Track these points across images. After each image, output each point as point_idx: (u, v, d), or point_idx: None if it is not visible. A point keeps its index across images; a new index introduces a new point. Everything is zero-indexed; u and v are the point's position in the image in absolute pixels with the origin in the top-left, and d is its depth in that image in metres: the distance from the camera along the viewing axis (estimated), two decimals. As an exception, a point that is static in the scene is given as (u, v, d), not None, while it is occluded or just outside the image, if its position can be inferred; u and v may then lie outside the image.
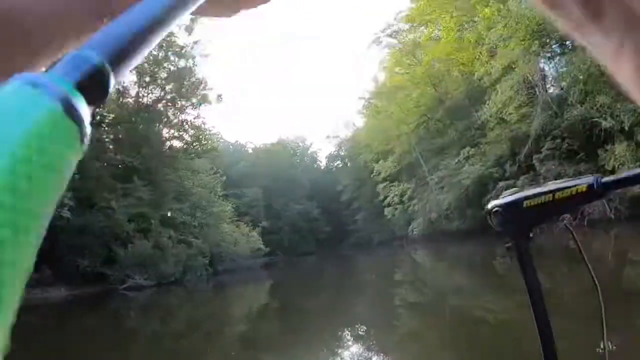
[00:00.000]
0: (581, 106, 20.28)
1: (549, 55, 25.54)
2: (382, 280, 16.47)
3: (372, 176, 40.62)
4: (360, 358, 6.74)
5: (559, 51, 24.89)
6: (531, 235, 1.05)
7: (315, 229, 52.11)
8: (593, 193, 0.92)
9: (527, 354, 4.34)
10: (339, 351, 7.34)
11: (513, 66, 24.25)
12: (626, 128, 18.16)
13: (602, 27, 0.31)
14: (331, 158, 62.50)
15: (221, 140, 45.09)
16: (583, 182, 0.93)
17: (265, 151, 55.42)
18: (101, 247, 22.05)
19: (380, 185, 38.87)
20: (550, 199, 0.96)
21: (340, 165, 58.84)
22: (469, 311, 7.94)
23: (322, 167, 64.70)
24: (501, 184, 21.94)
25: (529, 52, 23.29)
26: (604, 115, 18.74)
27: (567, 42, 23.59)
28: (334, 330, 9.21)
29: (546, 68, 26.47)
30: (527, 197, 1.00)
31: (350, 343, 8.02)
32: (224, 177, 34.58)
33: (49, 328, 12.42)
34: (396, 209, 37.21)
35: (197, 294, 20.09)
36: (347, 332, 8.90)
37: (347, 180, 50.34)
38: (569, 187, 0.94)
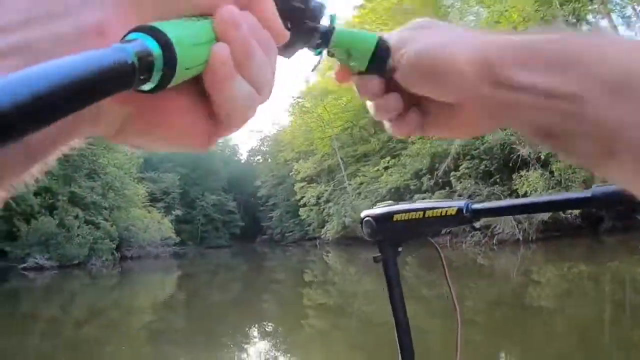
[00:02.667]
0: (502, 131, 21.37)
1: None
2: (292, 280, 16.59)
3: (290, 174, 40.73)
4: (266, 355, 6.78)
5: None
6: (399, 249, 1.07)
7: (229, 222, 51.57)
8: (462, 217, 0.93)
9: (428, 355, 4.57)
10: (245, 347, 7.37)
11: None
12: (542, 157, 19.25)
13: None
14: (252, 152, 62.14)
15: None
16: (454, 205, 0.94)
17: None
18: (3, 220, 20.68)
19: (298, 185, 39.03)
20: (421, 216, 0.97)
21: (261, 161, 58.53)
22: (374, 315, 8.21)
23: (243, 161, 64.17)
24: (417, 196, 22.71)
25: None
26: (522, 143, 19.76)
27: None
28: (241, 326, 9.20)
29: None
30: (398, 211, 1.00)
31: (257, 339, 8.06)
32: (141, 159, 33.52)
33: None
34: (312, 210, 37.52)
35: (102, 280, 19.36)
36: (254, 328, 8.93)
37: (266, 176, 50.17)
38: (440, 207, 0.95)
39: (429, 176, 25.40)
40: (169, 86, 0.29)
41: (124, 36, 0.27)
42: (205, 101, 0.34)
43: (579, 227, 18.54)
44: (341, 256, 25.25)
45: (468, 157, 23.04)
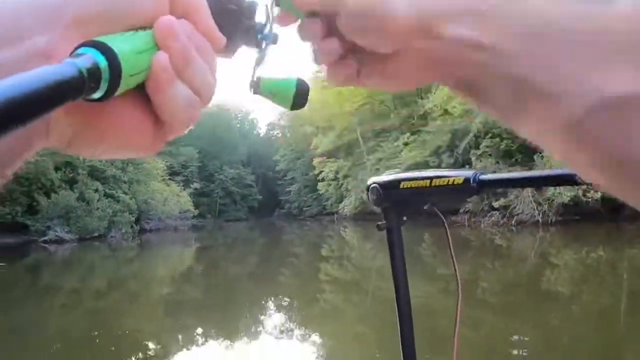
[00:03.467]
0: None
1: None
2: (309, 254, 16.65)
3: (310, 149, 40.65)
4: (281, 327, 6.82)
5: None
6: (404, 218, 1.05)
7: (247, 196, 51.85)
8: (470, 187, 0.91)
9: (439, 335, 4.53)
10: (261, 319, 7.43)
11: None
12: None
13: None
14: (271, 126, 62.12)
15: None
16: (462, 174, 0.92)
17: (204, 112, 53.72)
18: (24, 195, 21.04)
19: (317, 160, 38.98)
20: (428, 184, 0.95)
21: (280, 135, 58.50)
22: (389, 291, 8.22)
23: (261, 135, 64.19)
24: (435, 172, 22.47)
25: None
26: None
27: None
28: (257, 298, 9.29)
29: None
30: (405, 179, 0.99)
31: (272, 312, 8.14)
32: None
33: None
34: (330, 184, 37.55)
35: (121, 252, 19.63)
36: (270, 301, 9.01)
37: (284, 150, 50.19)
38: (448, 176, 0.92)
39: (449, 153, 25.16)
40: (116, 94, 0.31)
41: (73, 51, 0.30)
42: (150, 107, 0.36)
43: (599, 212, 18.26)
44: (358, 231, 25.30)
45: (489, 135, 22.68)
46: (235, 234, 29.15)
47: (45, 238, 20.26)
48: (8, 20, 0.30)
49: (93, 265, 15.39)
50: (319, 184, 38.72)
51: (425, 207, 1.03)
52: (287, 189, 48.68)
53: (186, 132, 0.40)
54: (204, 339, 6.53)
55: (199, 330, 6.92)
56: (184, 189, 35.00)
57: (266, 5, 0.48)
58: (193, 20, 0.38)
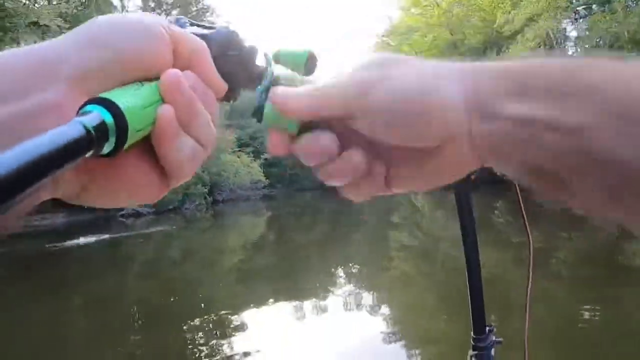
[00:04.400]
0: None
1: (574, 15, 24.50)
2: (379, 221, 16.56)
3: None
4: (350, 295, 6.83)
5: (584, 13, 23.91)
6: (473, 177, 0.92)
7: (316, 165, 52.08)
8: None
9: (512, 307, 4.36)
10: (330, 287, 7.43)
11: (536, 19, 23.25)
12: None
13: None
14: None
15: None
16: None
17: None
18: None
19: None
20: None
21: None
22: (459, 260, 8.02)
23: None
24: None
25: (554, 6, 22.33)
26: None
27: (594, 5, 22.64)
28: (326, 266, 9.33)
29: (568, 29, 25.55)
30: None
31: (341, 280, 8.14)
32: (228, 107, 34.18)
33: (43, 255, 12.55)
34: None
35: (195, 223, 20.26)
36: (339, 269, 9.02)
37: (352, 117, 49.82)
38: None
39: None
40: (124, 148, 0.32)
41: (80, 108, 0.30)
42: (155, 158, 0.36)
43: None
44: (429, 199, 24.90)
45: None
46: (305, 203, 29.44)
47: (123, 212, 21.18)
48: (16, 75, 0.31)
49: (169, 236, 15.96)
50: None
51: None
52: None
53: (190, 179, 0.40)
54: (274, 306, 6.63)
55: (270, 297, 7.03)
56: (255, 160, 35.49)
57: (265, 53, 0.47)
58: (197, 70, 0.37)
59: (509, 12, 24.56)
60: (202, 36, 0.41)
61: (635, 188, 0.29)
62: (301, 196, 35.67)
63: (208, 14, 30.65)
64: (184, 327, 5.89)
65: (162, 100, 0.35)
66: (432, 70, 0.37)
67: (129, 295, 8.07)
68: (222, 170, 29.46)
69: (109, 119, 0.30)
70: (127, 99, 0.32)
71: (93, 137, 0.28)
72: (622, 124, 0.29)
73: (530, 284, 0.92)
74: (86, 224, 18.28)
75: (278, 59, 0.49)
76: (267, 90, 0.42)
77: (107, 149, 0.31)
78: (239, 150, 34.85)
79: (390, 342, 4.92)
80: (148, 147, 0.35)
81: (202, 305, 6.95)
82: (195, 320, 6.07)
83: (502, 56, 25.54)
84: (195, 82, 0.37)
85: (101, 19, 0.35)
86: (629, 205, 0.30)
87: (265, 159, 38.04)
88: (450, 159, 0.37)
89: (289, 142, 0.40)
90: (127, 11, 27.98)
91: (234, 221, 21.13)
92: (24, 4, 19.80)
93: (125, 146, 0.32)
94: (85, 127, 0.28)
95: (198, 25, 0.45)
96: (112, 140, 0.30)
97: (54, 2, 20.83)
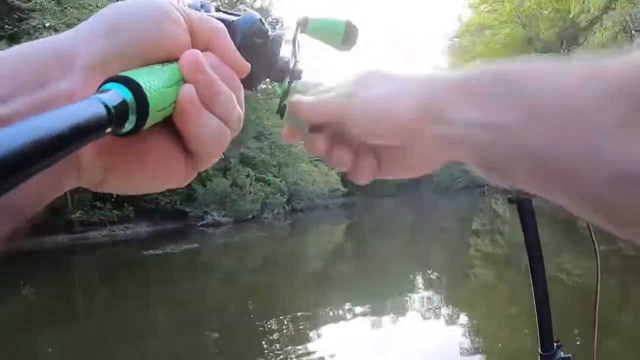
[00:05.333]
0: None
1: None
2: (459, 228, 16.15)
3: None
4: (429, 303, 6.70)
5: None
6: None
7: (394, 172, 51.66)
8: None
9: (608, 315, 4.03)
10: (409, 295, 7.31)
11: (613, 6, 21.96)
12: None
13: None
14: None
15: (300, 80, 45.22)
16: None
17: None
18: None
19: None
20: None
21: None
22: (552, 271, 7.64)
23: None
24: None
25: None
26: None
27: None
28: (405, 274, 9.23)
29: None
30: None
31: (420, 288, 8.00)
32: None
33: (129, 262, 13.15)
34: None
35: (274, 231, 20.56)
36: (418, 276, 8.88)
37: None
38: None
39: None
40: (144, 127, 0.31)
41: (100, 86, 0.30)
42: (179, 139, 0.36)
43: None
44: (511, 206, 23.96)
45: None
46: (383, 210, 29.25)
47: (203, 222, 21.84)
48: (33, 66, 0.31)
49: (248, 245, 16.27)
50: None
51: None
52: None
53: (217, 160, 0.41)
54: (351, 313, 6.59)
55: (347, 304, 7.00)
56: (332, 168, 35.59)
57: (293, 42, 0.50)
58: (217, 52, 0.38)
59: (583, 1, 23.29)
60: (227, 23, 0.42)
61: (559, 177, 0.34)
62: (380, 203, 35.49)
63: (278, 26, 31.18)
64: (260, 330, 6.01)
65: (184, 81, 0.35)
66: (399, 83, 0.45)
67: (208, 299, 8.33)
68: (299, 179, 29.80)
69: (128, 96, 0.29)
70: (147, 77, 0.32)
71: (112, 114, 0.27)
72: (540, 122, 0.34)
73: (597, 301, 0.93)
74: (168, 233, 19.02)
75: (310, 30, 0.50)
76: (286, 93, 0.50)
77: (126, 128, 0.30)
78: (316, 159, 35.18)
79: (465, 355, 4.76)
80: (173, 129, 0.36)
81: (279, 310, 7.01)
82: (272, 325, 6.16)
83: (579, 49, 24.44)
84: (216, 62, 0.37)
85: (115, 5, 0.36)
86: (564, 190, 0.34)
87: (343, 168, 38.13)
88: (419, 154, 0.46)
89: (300, 135, 0.50)
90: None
91: (312, 229, 21.27)
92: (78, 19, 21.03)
93: (146, 126, 0.31)
94: (103, 103, 0.27)
95: (224, 12, 0.46)
96: (132, 118, 0.30)
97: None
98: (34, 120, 0.22)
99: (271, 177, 26.72)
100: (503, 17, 31.27)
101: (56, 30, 18.50)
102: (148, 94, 0.30)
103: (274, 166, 28.11)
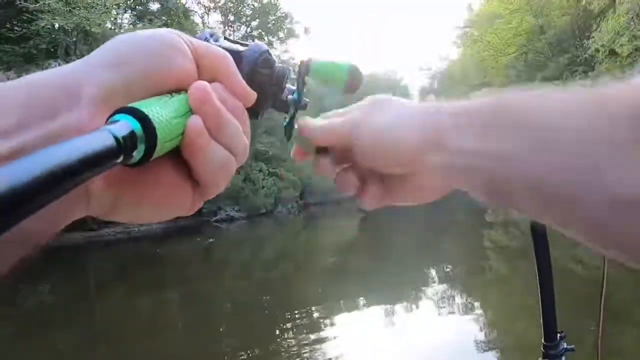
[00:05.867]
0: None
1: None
2: (473, 220, 16.06)
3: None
4: (442, 296, 6.69)
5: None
6: None
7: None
8: None
9: (614, 307, 4.00)
10: (423, 288, 7.35)
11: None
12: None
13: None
14: (423, 92, 60.53)
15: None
16: None
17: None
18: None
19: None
20: None
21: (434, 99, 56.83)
22: (559, 261, 7.62)
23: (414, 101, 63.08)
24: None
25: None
26: None
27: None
28: (420, 267, 9.22)
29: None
30: None
31: (435, 281, 8.00)
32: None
33: (144, 259, 13.25)
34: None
35: (288, 226, 20.60)
36: (432, 269, 8.86)
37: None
38: None
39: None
40: (152, 158, 0.32)
41: (109, 117, 0.30)
42: (186, 169, 0.37)
43: None
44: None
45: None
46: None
47: (217, 217, 21.92)
48: (43, 98, 0.31)
49: (262, 239, 16.32)
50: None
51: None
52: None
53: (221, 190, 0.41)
54: (365, 306, 6.61)
55: (361, 297, 7.02)
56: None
57: (299, 73, 0.51)
58: (224, 82, 0.39)
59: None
60: (235, 52, 0.43)
61: (559, 204, 0.34)
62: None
63: (287, 21, 31.20)
64: (275, 324, 6.07)
65: (191, 112, 0.35)
66: (406, 111, 0.46)
67: (223, 294, 8.36)
68: (312, 173, 29.74)
69: (137, 127, 0.30)
70: (155, 108, 0.32)
71: (121, 146, 0.27)
72: (540, 151, 0.34)
73: (603, 293, 0.94)
74: (181, 229, 19.12)
75: (312, 73, 0.51)
76: (293, 117, 0.51)
77: (134, 159, 0.30)
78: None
79: (480, 349, 4.77)
80: (180, 159, 0.36)
81: (294, 304, 7.05)
82: (285, 318, 6.21)
83: (589, 39, 24.00)
84: (223, 93, 0.38)
85: (122, 37, 0.36)
86: (565, 216, 0.35)
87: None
88: (423, 182, 0.48)
89: (308, 156, 0.51)
90: (208, 26, 29.03)
91: (325, 223, 21.28)
92: (110, 28, 21.08)
93: (154, 156, 0.32)
94: (112, 134, 0.27)
95: (233, 41, 0.47)
96: (140, 148, 0.30)
97: (139, 25, 21.97)
98: (47, 151, 0.22)
99: (284, 172, 26.75)
100: (514, 6, 30.87)
101: (65, 31, 18.63)
102: (156, 125, 0.31)
103: (285, 160, 28.13)
